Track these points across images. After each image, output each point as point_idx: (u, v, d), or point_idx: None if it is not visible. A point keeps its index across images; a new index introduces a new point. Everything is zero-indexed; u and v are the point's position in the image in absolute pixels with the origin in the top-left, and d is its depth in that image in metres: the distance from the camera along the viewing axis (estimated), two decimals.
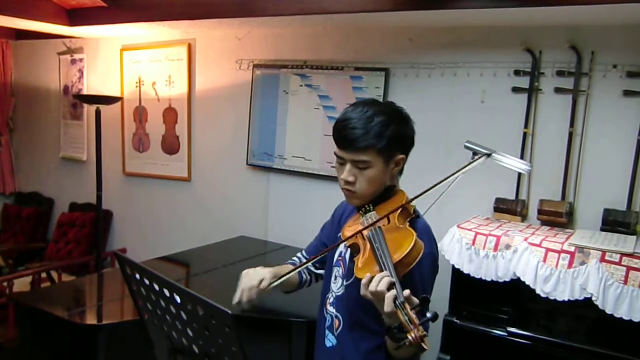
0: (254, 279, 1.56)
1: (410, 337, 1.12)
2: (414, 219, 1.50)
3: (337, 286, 1.60)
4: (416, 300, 1.20)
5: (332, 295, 1.61)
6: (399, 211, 1.44)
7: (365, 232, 1.41)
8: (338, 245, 1.59)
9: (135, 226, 4.40)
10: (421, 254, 1.32)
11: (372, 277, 1.24)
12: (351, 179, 1.48)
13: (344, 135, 1.47)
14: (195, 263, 3.18)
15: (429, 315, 1.16)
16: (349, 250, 1.51)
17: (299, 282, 1.80)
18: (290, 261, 1.85)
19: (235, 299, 1.56)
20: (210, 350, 1.32)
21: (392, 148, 1.48)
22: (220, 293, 2.67)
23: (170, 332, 1.44)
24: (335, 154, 1.53)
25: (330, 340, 1.60)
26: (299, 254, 1.87)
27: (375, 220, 1.43)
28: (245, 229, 3.72)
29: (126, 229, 4.47)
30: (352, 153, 1.46)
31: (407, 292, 1.20)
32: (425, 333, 1.13)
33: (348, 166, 1.48)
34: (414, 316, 1.15)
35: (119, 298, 2.58)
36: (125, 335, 2.22)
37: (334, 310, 1.60)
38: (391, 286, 1.21)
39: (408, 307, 1.17)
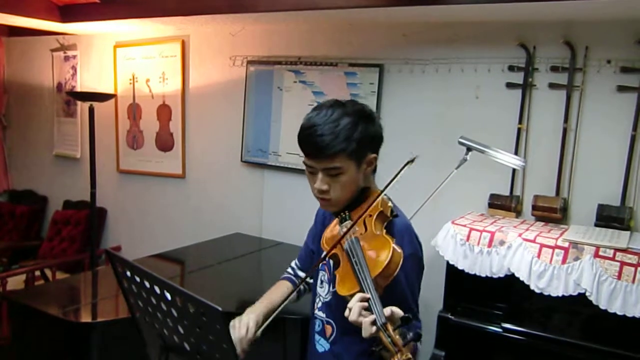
0: (240, 330, 1.51)
1: None
2: (392, 219, 1.45)
3: (324, 291, 1.57)
4: (398, 317, 1.17)
5: (320, 300, 1.58)
6: (375, 215, 1.40)
7: (344, 242, 1.37)
8: (323, 259, 1.52)
9: (129, 223, 4.39)
10: (400, 263, 1.29)
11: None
12: (325, 187, 1.43)
13: (311, 143, 1.41)
14: (190, 260, 3.17)
15: (410, 335, 1.13)
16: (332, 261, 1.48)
17: (297, 296, 1.76)
18: (284, 275, 1.81)
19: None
20: (202, 348, 1.31)
21: (362, 149, 1.43)
22: (214, 290, 2.67)
23: (162, 330, 1.43)
24: (304, 162, 1.47)
25: (323, 346, 1.57)
26: (292, 264, 1.83)
27: (348, 228, 1.38)
28: (239, 225, 3.71)
29: (120, 226, 4.46)
30: (322, 161, 1.41)
31: (387, 311, 1.17)
32: (409, 355, 1.09)
33: (320, 175, 1.43)
34: (396, 337, 1.12)
35: (113, 296, 2.57)
36: (119, 333, 2.20)
37: (324, 316, 1.57)
38: (367, 308, 1.18)
39: (390, 327, 1.13)
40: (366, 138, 1.43)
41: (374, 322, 1.15)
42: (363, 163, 1.46)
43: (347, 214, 1.48)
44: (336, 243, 1.38)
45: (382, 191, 1.40)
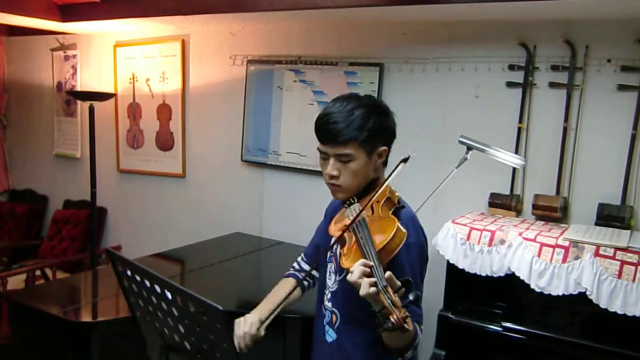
0: (244, 326, 1.57)
1: (392, 319, 1.13)
2: (399, 209, 1.51)
3: (331, 282, 1.61)
4: (398, 283, 1.22)
5: (328, 292, 1.63)
6: (382, 201, 1.46)
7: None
8: (331, 248, 1.59)
9: (129, 223, 4.39)
10: (404, 240, 1.34)
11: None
12: (335, 172, 1.50)
13: (325, 129, 1.49)
14: (190, 259, 3.18)
15: (410, 297, 1.18)
16: (339, 245, 1.51)
17: (302, 291, 1.81)
18: (289, 272, 1.84)
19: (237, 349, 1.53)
20: (202, 347, 1.31)
21: (373, 140, 1.49)
22: (215, 289, 2.67)
23: (162, 329, 1.43)
24: (318, 149, 1.54)
25: (331, 335, 1.61)
26: (298, 259, 1.87)
27: (358, 211, 1.44)
28: (239, 225, 3.71)
29: (120, 226, 4.46)
30: (334, 147, 1.48)
31: (388, 274, 1.22)
32: (407, 314, 1.14)
33: (331, 160, 1.50)
34: (396, 298, 1.17)
35: (114, 295, 2.57)
36: (119, 332, 2.21)
37: (331, 306, 1.61)
38: (369, 273, 1.23)
39: (390, 290, 1.18)
40: (378, 129, 1.50)
41: (373, 284, 1.20)
42: (374, 154, 1.52)
43: (354, 199, 1.54)
44: (348, 226, 1.43)
45: (386, 180, 1.44)
